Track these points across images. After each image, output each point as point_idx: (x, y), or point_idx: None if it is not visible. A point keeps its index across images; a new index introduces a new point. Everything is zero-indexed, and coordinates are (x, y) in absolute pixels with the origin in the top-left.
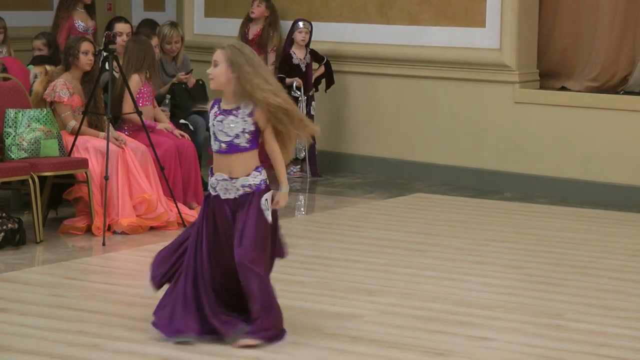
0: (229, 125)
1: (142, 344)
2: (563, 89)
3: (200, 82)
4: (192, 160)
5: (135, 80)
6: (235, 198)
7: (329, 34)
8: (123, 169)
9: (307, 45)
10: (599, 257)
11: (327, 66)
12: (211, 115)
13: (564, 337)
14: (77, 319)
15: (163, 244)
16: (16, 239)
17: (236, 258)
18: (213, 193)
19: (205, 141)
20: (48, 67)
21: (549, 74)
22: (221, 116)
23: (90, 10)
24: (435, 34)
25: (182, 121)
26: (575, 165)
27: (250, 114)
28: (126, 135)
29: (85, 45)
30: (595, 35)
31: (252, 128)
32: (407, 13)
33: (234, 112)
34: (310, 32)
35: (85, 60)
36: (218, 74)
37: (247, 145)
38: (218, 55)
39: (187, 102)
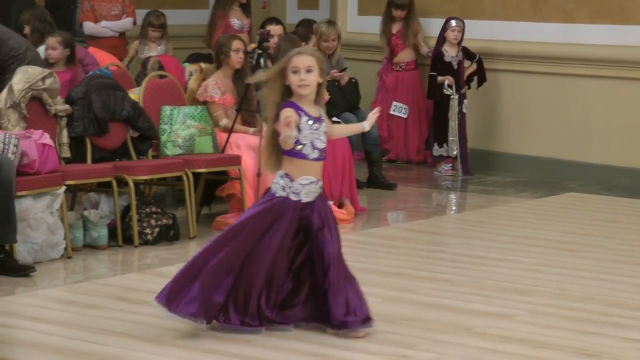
0: (323, 132)
1: (291, 339)
2: None
3: (353, 80)
4: (347, 156)
5: None
6: (313, 200)
7: (481, 32)
8: None
9: (459, 43)
10: None
11: (479, 64)
12: (304, 123)
13: None
14: None
15: None
16: (170, 235)
17: (331, 250)
18: (294, 198)
19: (357, 138)
20: (203, 65)
21: None
22: (315, 124)
23: (245, 8)
24: (591, 32)
25: (334, 119)
26: None
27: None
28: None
29: (237, 44)
30: None
31: None
32: (562, 10)
33: (321, 117)
34: (463, 31)
35: (237, 58)
36: (314, 80)
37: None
38: (312, 62)
39: (339, 100)
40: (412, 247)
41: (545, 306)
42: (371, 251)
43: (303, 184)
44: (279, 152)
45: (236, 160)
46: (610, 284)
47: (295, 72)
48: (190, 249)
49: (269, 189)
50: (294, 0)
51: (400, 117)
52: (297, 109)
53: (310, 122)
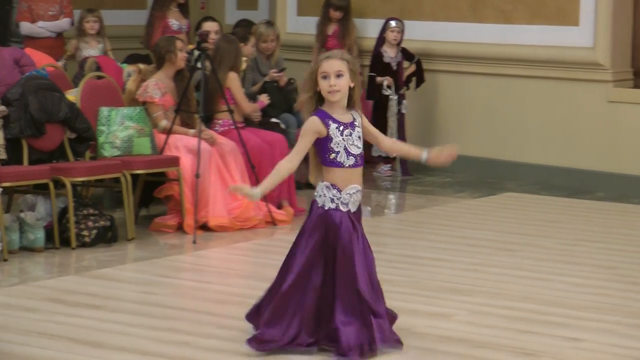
0: (357, 137)
1: (233, 341)
2: None
3: (292, 81)
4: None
5: (234, 78)
6: (356, 210)
7: (420, 33)
8: (215, 167)
9: (399, 44)
10: None
11: (418, 65)
12: (333, 131)
13: None
14: (168, 316)
15: (254, 241)
16: (108, 236)
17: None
18: (344, 209)
19: (296, 140)
20: (141, 66)
21: None
22: (347, 129)
23: (184, 9)
24: (528, 33)
25: (273, 120)
26: None
27: (360, 120)
28: (218, 132)
29: (180, 44)
30: None
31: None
32: (500, 11)
33: (355, 122)
34: (402, 31)
35: (182, 57)
36: (344, 85)
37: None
38: (341, 65)
39: (278, 100)
40: None
41: (484, 306)
42: None
43: (350, 194)
44: (319, 163)
45: (175, 161)
46: (548, 284)
47: (324, 77)
48: (129, 251)
49: (314, 202)
50: (232, 1)
51: None
52: (325, 117)
53: (341, 129)
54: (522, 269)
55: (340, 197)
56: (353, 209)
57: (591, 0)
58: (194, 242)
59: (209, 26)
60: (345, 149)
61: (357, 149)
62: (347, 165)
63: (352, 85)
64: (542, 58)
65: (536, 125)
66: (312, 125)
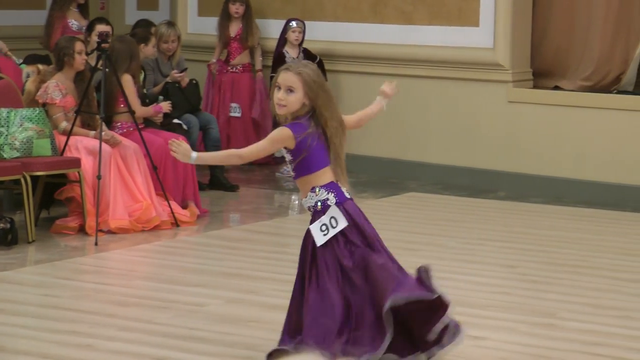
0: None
1: (135, 343)
2: (556, 88)
3: (194, 82)
4: None
5: (127, 80)
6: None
7: (322, 33)
8: (115, 168)
9: (300, 44)
10: (592, 256)
11: (320, 65)
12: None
13: (557, 336)
14: (70, 319)
15: (156, 242)
16: (8, 239)
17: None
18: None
19: (197, 140)
20: (40, 66)
21: (542, 73)
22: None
23: (83, 9)
24: (429, 33)
25: (175, 121)
26: (568, 164)
27: None
28: (119, 134)
29: (79, 45)
30: (588, 34)
31: None
32: (401, 12)
33: None
34: (304, 32)
35: (80, 60)
36: (293, 102)
37: None
38: (295, 82)
39: (180, 101)
40: (254, 249)
41: None
42: (214, 253)
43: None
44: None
45: (75, 163)
46: (450, 282)
47: (277, 88)
48: (29, 253)
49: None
50: (133, 1)
51: (237, 117)
52: (300, 130)
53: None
54: None
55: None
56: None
57: (491, 1)
58: (96, 244)
59: (101, 29)
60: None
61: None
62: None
63: (306, 102)
64: (442, 58)
65: (438, 126)
66: (282, 137)
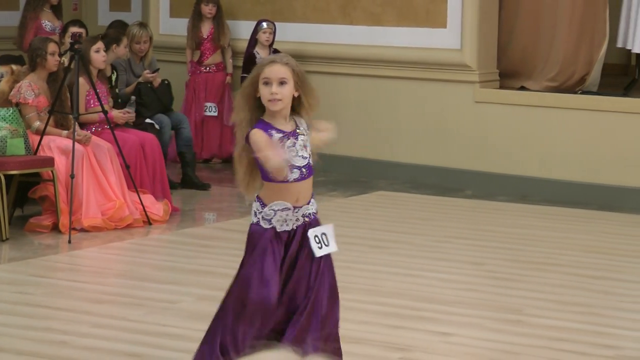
0: (301, 146)
1: (109, 340)
2: (522, 88)
3: (166, 82)
4: (157, 156)
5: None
6: (291, 230)
7: (293, 34)
8: (88, 167)
9: (271, 45)
10: (556, 254)
11: None
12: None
13: (523, 332)
14: (44, 316)
15: (129, 240)
16: None
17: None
18: (265, 226)
19: (170, 140)
20: (14, 67)
21: (508, 74)
22: (290, 139)
23: (56, 10)
24: (397, 35)
25: (148, 120)
26: (534, 163)
27: (307, 127)
28: (91, 133)
29: (52, 46)
30: (554, 36)
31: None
32: (370, 14)
33: (298, 130)
34: (274, 33)
35: (53, 61)
36: (287, 94)
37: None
38: (286, 72)
39: (152, 101)
40: (226, 246)
41: (357, 302)
42: (186, 250)
43: (275, 210)
44: (255, 177)
45: (49, 162)
46: (419, 280)
47: (266, 83)
48: (3, 251)
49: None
50: (105, 2)
51: (212, 116)
52: (268, 128)
53: (283, 139)
54: (393, 266)
55: (262, 212)
56: (281, 228)
57: (458, 3)
58: (69, 241)
59: (75, 31)
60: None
61: (302, 159)
62: (292, 178)
63: (295, 94)
64: (411, 59)
65: (406, 125)
66: (264, 138)
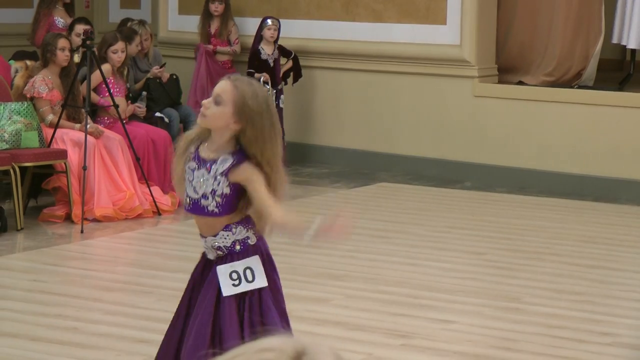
0: (205, 179)
1: (119, 327)
2: (520, 83)
3: (174, 77)
4: (168, 147)
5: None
6: (213, 260)
7: (297, 31)
8: (100, 159)
9: (276, 41)
10: (554, 244)
11: (295, 60)
12: (190, 166)
13: (521, 320)
14: (57, 303)
15: (139, 230)
16: None
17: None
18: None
19: (179, 133)
20: (28, 62)
21: (507, 69)
22: (201, 169)
23: (69, 7)
24: (398, 31)
25: (157, 114)
26: (531, 155)
27: (226, 173)
28: (103, 126)
29: (62, 42)
30: (550, 32)
31: (227, 190)
32: (372, 11)
33: (218, 161)
34: (279, 29)
35: (62, 56)
36: (218, 116)
37: (217, 210)
38: (226, 93)
39: (161, 95)
40: None
41: (359, 290)
42: (194, 240)
43: (205, 238)
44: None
45: (62, 154)
46: (420, 269)
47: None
48: (18, 241)
49: None
50: (116, 0)
51: None
52: (197, 152)
53: (194, 167)
54: (395, 255)
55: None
56: (210, 256)
57: (457, 1)
58: (82, 231)
59: (81, 29)
60: (193, 187)
61: (194, 193)
62: (186, 208)
63: (237, 127)
64: (411, 55)
65: (407, 119)
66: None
